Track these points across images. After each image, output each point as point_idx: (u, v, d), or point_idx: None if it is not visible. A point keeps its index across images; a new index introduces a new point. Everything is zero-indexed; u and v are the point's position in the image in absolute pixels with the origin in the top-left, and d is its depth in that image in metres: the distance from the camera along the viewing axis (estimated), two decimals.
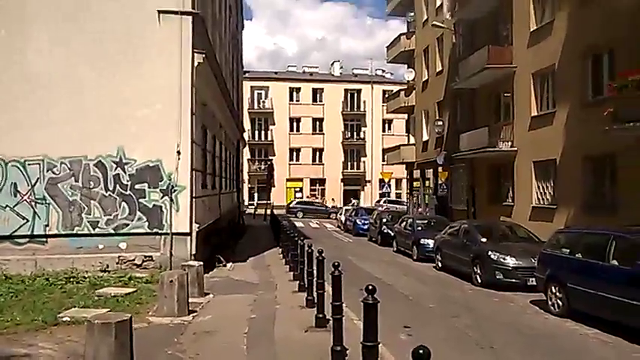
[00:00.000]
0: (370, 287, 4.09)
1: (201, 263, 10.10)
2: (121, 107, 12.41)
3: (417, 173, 32.73)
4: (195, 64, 12.68)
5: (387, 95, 43.99)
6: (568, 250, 9.46)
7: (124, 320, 4.98)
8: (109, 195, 12.42)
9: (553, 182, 18.06)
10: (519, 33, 20.15)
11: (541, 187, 18.89)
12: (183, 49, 12.47)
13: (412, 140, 34.01)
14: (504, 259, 12.07)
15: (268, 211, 35.69)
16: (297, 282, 10.81)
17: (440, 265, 15.24)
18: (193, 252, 12.62)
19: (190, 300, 8.99)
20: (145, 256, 12.49)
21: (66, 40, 12.39)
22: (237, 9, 32.15)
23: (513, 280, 11.81)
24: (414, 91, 32.73)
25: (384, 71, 59.15)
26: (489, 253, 12.36)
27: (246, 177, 48.13)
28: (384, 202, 43.88)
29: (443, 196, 27.84)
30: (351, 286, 8.23)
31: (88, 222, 12.34)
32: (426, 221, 19.98)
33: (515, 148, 20.21)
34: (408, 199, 35.64)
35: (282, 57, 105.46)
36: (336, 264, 6.07)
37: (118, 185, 12.45)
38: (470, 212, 23.96)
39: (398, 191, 52.43)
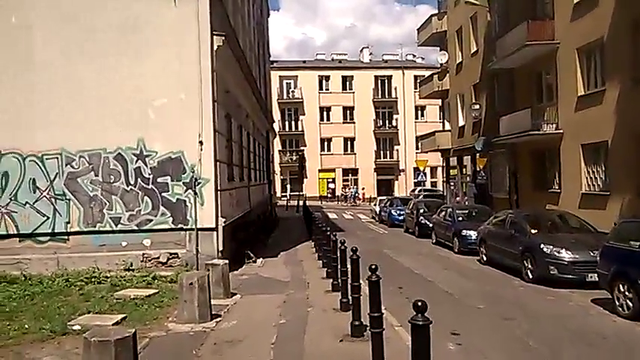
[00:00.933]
0: (420, 304, 3.18)
1: (227, 261, 9.33)
2: (138, 96, 11.77)
3: (453, 161, 31.47)
4: (215, 47, 11.91)
5: (418, 80, 42.57)
6: (639, 243, 8.28)
7: (126, 337, 4.21)
8: (131, 189, 11.80)
9: (604, 166, 16.69)
10: (561, 6, 18.68)
11: (591, 172, 17.51)
12: (201, 31, 11.71)
13: (447, 126, 32.70)
14: (559, 252, 10.91)
15: (301, 203, 34.99)
16: (331, 280, 9.93)
17: (484, 258, 14.14)
18: (220, 248, 11.92)
19: (215, 302, 8.28)
20: (170, 254, 11.85)
21: (81, 28, 11.77)
22: None
23: (570, 276, 10.66)
24: (447, 75, 31.39)
25: (414, 56, 57.46)
26: (542, 245, 11.22)
27: (277, 168, 47.46)
28: (419, 191, 42.60)
29: (482, 183, 26.54)
30: (389, 283, 7.34)
31: (110, 218, 11.75)
32: (466, 211, 18.80)
33: (561, 131, 18.82)
34: (445, 188, 34.40)
35: (310, 47, 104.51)
36: (374, 267, 5.15)
37: (139, 179, 11.81)
38: (512, 200, 22.71)
39: (433, 180, 51.04)
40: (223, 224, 12.08)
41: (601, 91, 16.58)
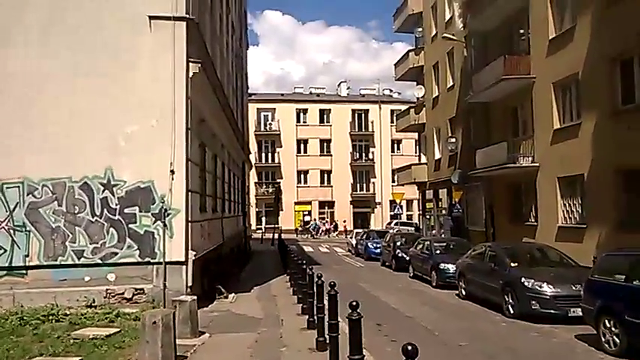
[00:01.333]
0: (409, 349, 2.77)
1: (195, 298, 8.76)
2: (108, 123, 11.26)
3: (429, 194, 31.42)
4: (191, 74, 11.54)
5: (395, 115, 42.94)
6: (624, 277, 8.04)
7: None
8: (96, 220, 11.18)
9: (581, 199, 16.66)
10: (537, 42, 18.98)
11: (567, 205, 17.47)
12: (177, 58, 11.34)
13: (424, 159, 32.79)
14: (540, 286, 10.63)
15: (276, 235, 34.33)
16: (307, 317, 9.41)
17: (464, 292, 13.78)
18: (189, 283, 11.30)
19: (181, 342, 7.68)
20: (136, 289, 11.18)
21: (46, 48, 11.31)
22: (242, 28, 31.35)
23: (552, 311, 10.36)
24: (424, 109, 31.65)
25: (391, 91, 58.23)
26: (523, 280, 10.93)
27: (253, 200, 46.85)
28: (395, 224, 42.39)
29: (458, 216, 26.45)
30: (367, 319, 6.83)
31: (73, 251, 11.07)
32: (444, 244, 18.53)
33: (537, 164, 18.85)
34: (421, 221, 34.27)
35: (288, 81, 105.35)
36: (354, 304, 4.72)
37: (105, 209, 11.21)
38: (489, 233, 22.56)
39: (409, 213, 50.96)
40: (193, 257, 11.49)
41: (577, 125, 16.68)
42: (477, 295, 13.05)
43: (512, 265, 11.82)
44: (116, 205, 11.22)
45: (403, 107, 39.74)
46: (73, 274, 10.99)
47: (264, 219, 50.55)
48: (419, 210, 38.58)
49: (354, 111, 54.43)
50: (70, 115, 11.19)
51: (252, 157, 42.99)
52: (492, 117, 22.44)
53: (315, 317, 8.05)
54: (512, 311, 11.13)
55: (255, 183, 50.64)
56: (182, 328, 8.21)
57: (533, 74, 19.12)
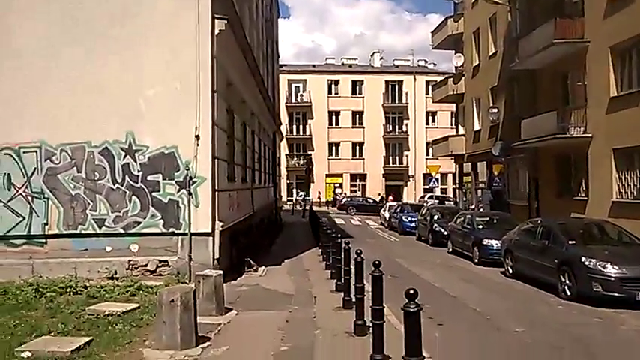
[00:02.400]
0: None
1: (220, 273, 7.97)
2: (129, 85, 10.48)
3: (467, 167, 30.08)
4: (216, 31, 10.60)
5: (430, 86, 41.25)
6: None
7: None
8: (117, 188, 10.49)
9: (639, 172, 15.25)
10: (593, 2, 17.29)
11: (623, 179, 16.07)
12: (201, 14, 10.41)
13: (461, 131, 31.32)
14: (604, 267, 9.51)
15: (307, 207, 33.64)
16: (342, 295, 8.55)
17: (510, 270, 12.73)
18: (216, 255, 10.58)
19: (205, 320, 6.96)
20: (160, 261, 10.51)
21: (65, 10, 10.52)
22: None
23: (617, 294, 9.25)
24: (463, 78, 30.10)
25: (426, 62, 56.22)
26: (583, 259, 9.81)
27: (284, 172, 46.12)
28: (430, 197, 41.13)
29: (498, 190, 25.14)
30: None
31: (94, 220, 10.43)
32: (487, 218, 17.34)
33: (590, 135, 17.40)
34: (457, 195, 33.04)
35: (319, 54, 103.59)
36: (412, 291, 3.79)
37: (127, 176, 10.50)
38: (533, 208, 21.31)
39: (444, 187, 49.50)
40: (221, 229, 10.73)
41: (637, 92, 15.19)
42: (525, 273, 11.98)
43: (571, 242, 10.65)
44: (138, 172, 10.50)
45: (439, 78, 37.99)
46: (94, 244, 10.39)
47: (294, 191, 49.81)
48: (454, 184, 37.33)
49: (387, 82, 52.72)
50: (89, 78, 10.44)
51: (283, 129, 42.09)
52: (540, 85, 20.91)
53: (353, 297, 7.17)
54: (568, 293, 10.05)
55: (286, 155, 49.82)
56: (206, 304, 7.47)
57: (587, 38, 17.51)
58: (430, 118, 52.57)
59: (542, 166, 20.82)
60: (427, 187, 42.99)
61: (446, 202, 36.90)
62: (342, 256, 8.67)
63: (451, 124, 48.85)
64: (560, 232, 11.08)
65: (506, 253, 12.98)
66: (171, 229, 10.49)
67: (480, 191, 28.33)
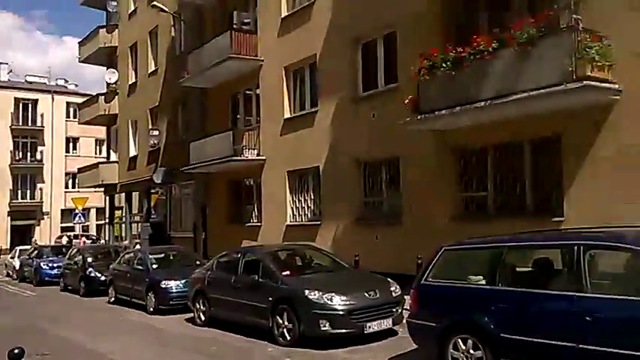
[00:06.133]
0: None
1: None
2: None
3: (118, 199, 26.71)
4: None
5: (72, 109, 35.69)
6: (484, 279, 5.74)
7: None
8: None
9: (314, 194, 14.93)
10: (267, 20, 16.71)
11: (298, 202, 15.59)
12: None
13: (114, 157, 27.52)
14: (331, 299, 7.74)
15: None
16: None
17: (203, 317, 9.94)
18: None
19: None
20: None
21: None
22: None
23: (346, 330, 7.64)
24: (116, 97, 26.52)
25: (66, 81, 49.41)
26: (306, 292, 7.87)
27: None
28: (69, 236, 34.81)
29: (158, 222, 22.53)
30: None
31: None
32: (162, 255, 14.14)
33: (264, 157, 16.52)
34: (106, 231, 28.93)
35: None
36: None
37: None
38: (199, 239, 19.34)
39: (87, 223, 43.35)
40: None
41: (312, 113, 14.94)
42: (225, 319, 9.45)
43: (284, 274, 8.64)
44: None
45: (82, 100, 32.87)
46: None
47: None
48: (97, 219, 32.69)
49: (18, 100, 43.93)
50: None
51: None
52: (211, 105, 19.45)
53: None
54: (288, 337, 7.95)
55: None
56: None
57: (262, 56, 16.82)
58: (71, 144, 45.94)
59: (214, 193, 19.14)
60: (73, 223, 36.44)
61: (99, 241, 31.83)
62: None
63: (96, 153, 43.90)
64: (271, 264, 8.92)
65: (197, 296, 10.19)
66: None
67: (136, 225, 25.00)
